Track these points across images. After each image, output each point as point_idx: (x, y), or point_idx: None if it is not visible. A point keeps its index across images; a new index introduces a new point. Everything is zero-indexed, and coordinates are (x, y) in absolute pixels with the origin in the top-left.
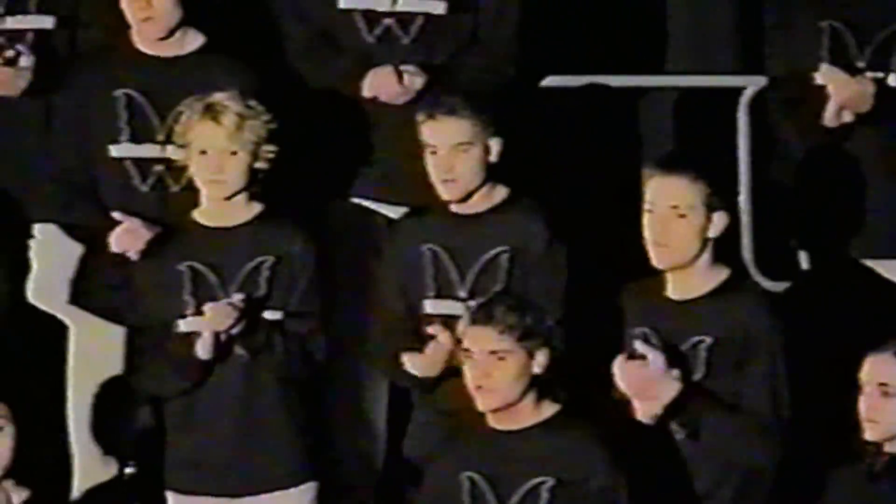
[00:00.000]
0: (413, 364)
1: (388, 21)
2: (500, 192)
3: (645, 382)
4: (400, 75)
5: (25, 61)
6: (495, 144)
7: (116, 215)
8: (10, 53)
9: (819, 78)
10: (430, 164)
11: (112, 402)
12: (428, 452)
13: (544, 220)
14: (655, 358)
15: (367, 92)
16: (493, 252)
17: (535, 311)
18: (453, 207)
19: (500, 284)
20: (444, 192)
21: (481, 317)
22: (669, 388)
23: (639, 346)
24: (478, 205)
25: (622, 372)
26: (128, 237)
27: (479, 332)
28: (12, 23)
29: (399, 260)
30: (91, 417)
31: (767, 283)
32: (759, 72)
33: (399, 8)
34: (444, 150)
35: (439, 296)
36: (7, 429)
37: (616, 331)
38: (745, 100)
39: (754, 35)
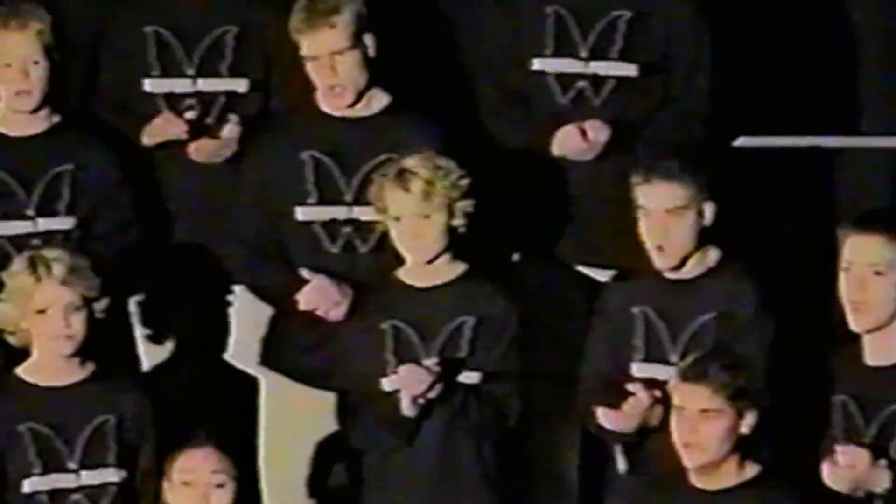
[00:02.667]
0: (607, 419)
1: (581, 83)
2: (713, 256)
3: (857, 481)
4: (583, 132)
5: (231, 131)
6: (709, 208)
7: (304, 273)
8: (190, 114)
9: None
10: (644, 227)
11: (310, 458)
12: None
13: (754, 285)
14: (860, 458)
15: (556, 151)
16: (705, 317)
17: (746, 371)
18: (666, 273)
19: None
20: (657, 260)
21: (694, 374)
22: (881, 479)
23: (840, 452)
24: (691, 270)
25: (832, 476)
26: (316, 295)
27: (690, 388)
28: (203, 85)
29: (610, 322)
30: (288, 473)
31: None
32: None
33: (591, 70)
34: (658, 213)
35: (648, 359)
36: (229, 485)
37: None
38: None
39: None
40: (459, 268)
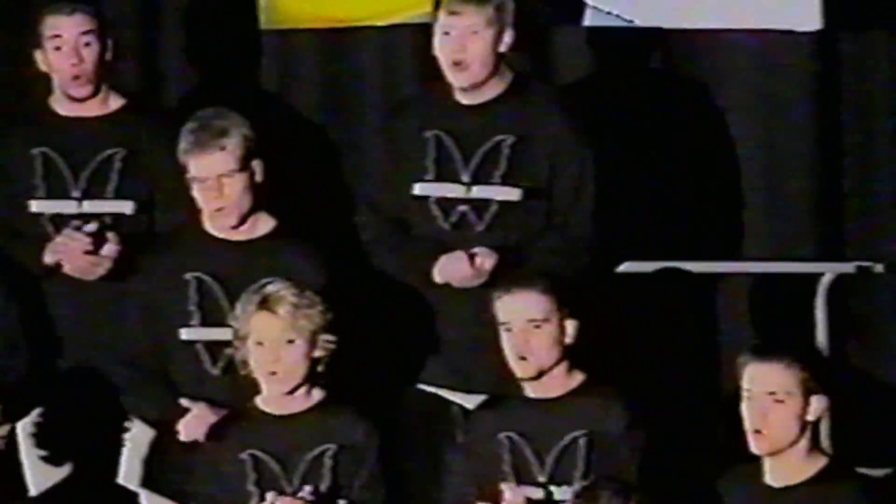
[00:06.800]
0: None
1: (462, 208)
2: (577, 378)
3: None
4: (472, 258)
5: (109, 251)
6: (570, 325)
7: (184, 402)
8: (89, 227)
9: None
10: (505, 342)
11: None
12: None
13: (623, 404)
14: None
15: (438, 278)
16: (570, 436)
17: (639, 495)
18: (529, 392)
19: (580, 469)
20: (518, 370)
21: (585, 502)
22: None
23: None
24: (555, 389)
25: None
26: (196, 423)
27: None
28: (89, 207)
29: (475, 451)
30: None
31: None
32: (838, 258)
33: (473, 195)
34: (518, 326)
35: (519, 483)
36: None
37: None
38: (823, 286)
39: (833, 221)
40: (317, 396)
